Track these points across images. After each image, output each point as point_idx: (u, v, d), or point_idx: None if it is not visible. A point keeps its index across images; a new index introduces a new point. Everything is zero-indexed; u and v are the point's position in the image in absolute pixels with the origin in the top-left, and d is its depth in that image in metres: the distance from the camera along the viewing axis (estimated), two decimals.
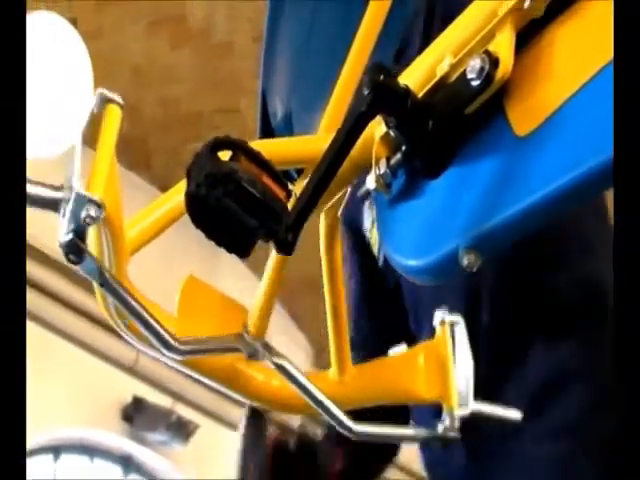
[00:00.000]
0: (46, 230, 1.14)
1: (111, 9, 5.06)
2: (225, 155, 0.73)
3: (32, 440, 5.12)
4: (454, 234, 0.77)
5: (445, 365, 0.96)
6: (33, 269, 4.75)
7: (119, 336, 0.83)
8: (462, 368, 0.95)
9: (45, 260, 4.76)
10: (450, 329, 0.97)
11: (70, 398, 5.40)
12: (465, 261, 0.75)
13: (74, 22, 3.02)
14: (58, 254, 0.70)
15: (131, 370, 5.72)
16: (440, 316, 0.98)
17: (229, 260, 5.25)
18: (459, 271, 0.76)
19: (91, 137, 0.76)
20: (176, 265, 4.88)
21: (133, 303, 0.75)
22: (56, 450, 5.76)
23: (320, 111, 0.95)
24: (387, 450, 1.44)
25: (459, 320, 0.97)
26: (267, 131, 1.17)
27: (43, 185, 0.70)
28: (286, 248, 0.73)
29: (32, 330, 4.80)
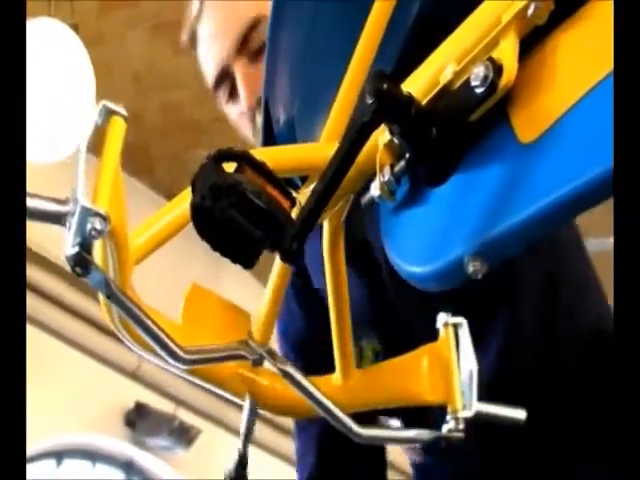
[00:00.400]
0: (49, 236, 1.14)
1: (113, 15, 5.06)
2: (230, 166, 0.73)
3: (35, 445, 5.13)
4: (459, 241, 0.78)
5: (449, 367, 0.96)
6: (34, 273, 4.75)
7: (122, 342, 0.83)
8: (466, 369, 0.95)
9: (46, 265, 4.76)
10: (453, 331, 0.97)
11: (73, 403, 5.40)
12: (471, 268, 0.75)
13: (76, 28, 3.02)
14: (59, 259, 0.70)
15: (133, 375, 5.72)
16: (443, 318, 0.98)
17: (233, 267, 5.23)
18: (465, 278, 0.76)
19: (95, 149, 0.76)
20: (180, 272, 4.89)
21: (139, 314, 0.75)
22: (59, 455, 5.76)
23: (323, 117, 0.95)
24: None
25: (462, 321, 0.97)
26: (269, 138, 1.17)
27: (48, 199, 0.70)
28: (291, 257, 0.73)
29: (35, 335, 4.80)
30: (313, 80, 1.10)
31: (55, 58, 2.80)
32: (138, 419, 5.77)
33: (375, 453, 1.52)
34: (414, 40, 0.95)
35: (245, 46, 1.49)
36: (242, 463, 0.91)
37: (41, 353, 4.78)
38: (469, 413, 0.94)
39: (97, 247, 0.75)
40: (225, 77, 1.55)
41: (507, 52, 0.78)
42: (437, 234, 0.84)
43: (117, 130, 0.76)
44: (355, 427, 0.93)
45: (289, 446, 1.62)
